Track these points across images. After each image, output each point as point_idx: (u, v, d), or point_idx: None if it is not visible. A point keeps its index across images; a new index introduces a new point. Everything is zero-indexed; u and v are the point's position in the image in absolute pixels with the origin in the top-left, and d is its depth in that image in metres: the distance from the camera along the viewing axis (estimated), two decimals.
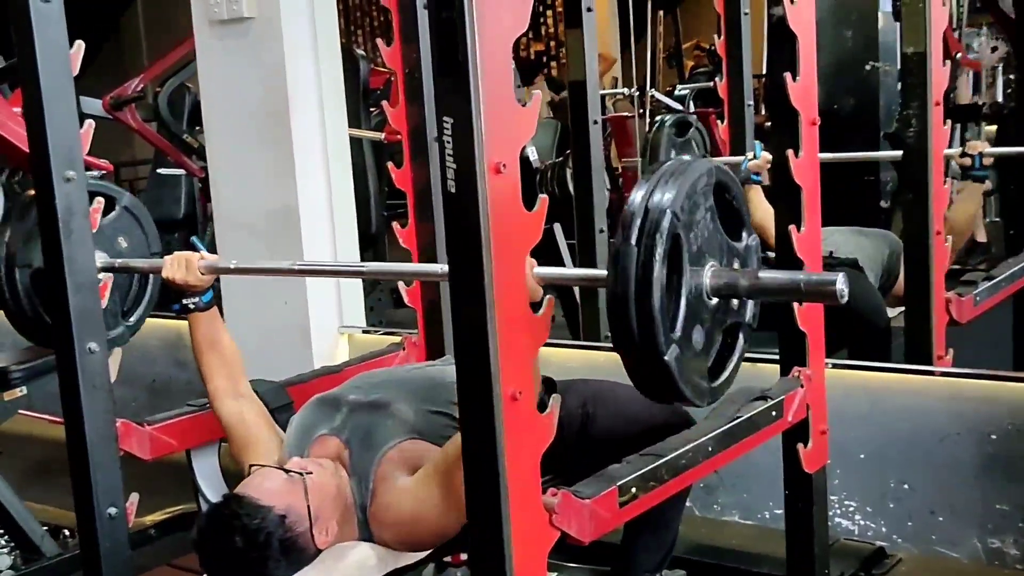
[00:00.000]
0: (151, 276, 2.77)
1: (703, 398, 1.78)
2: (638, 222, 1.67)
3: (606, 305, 1.70)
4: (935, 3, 2.95)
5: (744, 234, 1.89)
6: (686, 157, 1.78)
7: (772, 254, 3.82)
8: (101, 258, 2.55)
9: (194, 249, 2.40)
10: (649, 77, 6.93)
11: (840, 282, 1.74)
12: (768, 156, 3.72)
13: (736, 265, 1.86)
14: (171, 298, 2.43)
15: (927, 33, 2.95)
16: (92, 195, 2.53)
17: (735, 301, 1.85)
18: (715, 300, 1.79)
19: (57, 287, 2.07)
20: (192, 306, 2.40)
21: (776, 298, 1.97)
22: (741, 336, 1.88)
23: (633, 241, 1.66)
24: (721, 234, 1.82)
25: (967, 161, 3.48)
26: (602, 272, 1.75)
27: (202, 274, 2.36)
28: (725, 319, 1.83)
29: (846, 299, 1.75)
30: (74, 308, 2.07)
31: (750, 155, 3.83)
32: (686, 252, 1.71)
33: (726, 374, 1.85)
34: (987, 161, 3.49)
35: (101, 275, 2.56)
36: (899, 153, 3.36)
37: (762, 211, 3.71)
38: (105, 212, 2.68)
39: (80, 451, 2.11)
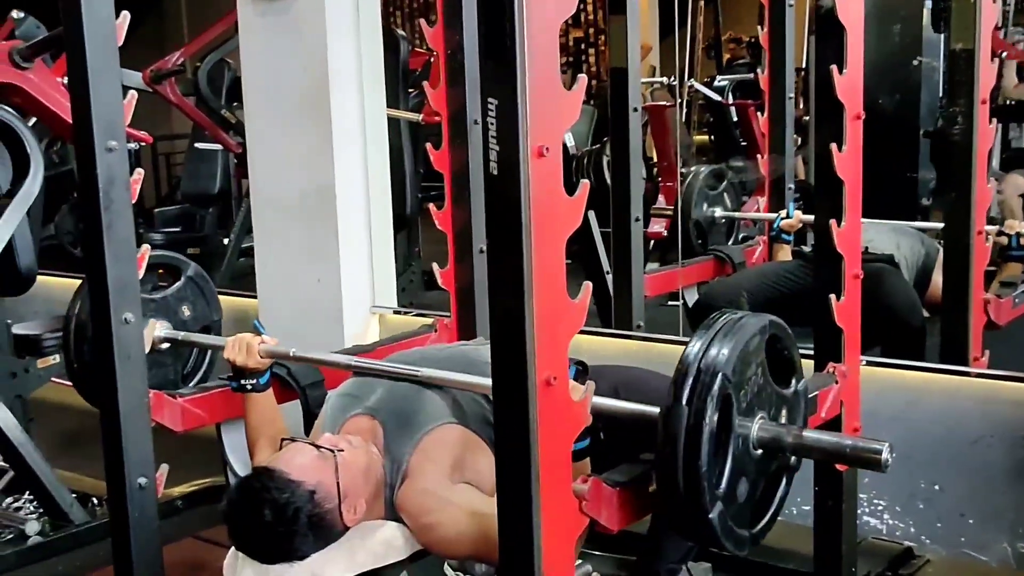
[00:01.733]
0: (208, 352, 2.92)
1: (742, 548, 1.81)
2: (689, 382, 1.70)
3: (655, 459, 1.74)
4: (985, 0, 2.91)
5: (793, 380, 1.92)
6: (741, 313, 1.81)
7: (804, 247, 3.84)
8: (164, 327, 2.71)
9: (255, 332, 2.45)
10: (688, 67, 6.88)
11: (885, 452, 1.78)
12: (801, 216, 3.79)
13: (784, 412, 1.89)
14: (230, 376, 2.51)
15: (976, 30, 2.91)
16: (159, 266, 2.74)
17: None
18: (761, 451, 1.82)
19: (95, 257, 2.08)
20: (249, 387, 2.46)
21: (820, 458, 2.06)
22: (784, 480, 1.90)
23: (684, 401, 1.69)
24: (771, 385, 1.85)
25: (1004, 240, 3.42)
26: (654, 410, 1.80)
27: (261, 357, 2.43)
28: (770, 467, 1.86)
29: (888, 469, 1.79)
30: (112, 278, 2.08)
31: (783, 214, 3.89)
32: (735, 410, 1.74)
33: (766, 519, 1.88)
34: None
35: (163, 345, 2.76)
36: (940, 226, 3.37)
37: None
38: (171, 282, 2.84)
39: (112, 421, 2.13)
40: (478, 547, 2.00)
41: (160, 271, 2.88)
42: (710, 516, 1.70)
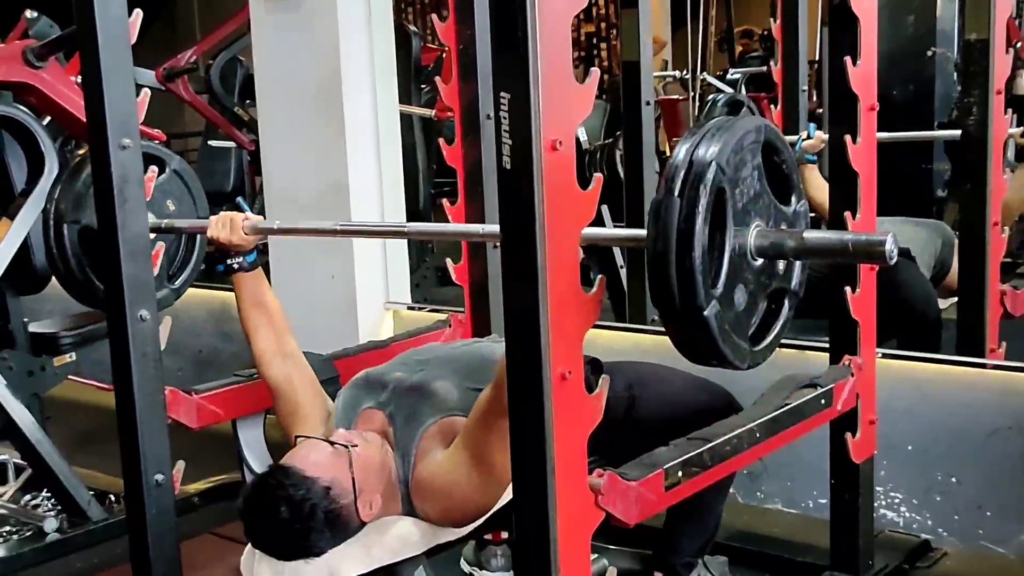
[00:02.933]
0: (197, 240, 2.82)
1: (743, 360, 1.74)
2: (681, 174, 1.64)
3: (646, 261, 1.66)
4: None
5: (793, 198, 1.85)
6: (732, 117, 1.75)
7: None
8: (149, 218, 2.58)
9: (239, 210, 2.42)
10: (700, 60, 6.87)
11: (889, 242, 1.68)
12: (823, 135, 3.70)
13: (784, 227, 1.81)
14: (216, 259, 2.44)
15: (991, 20, 2.90)
16: (145, 158, 2.57)
17: (781, 265, 1.81)
18: (760, 261, 1.75)
19: (110, 254, 2.09)
20: (236, 266, 2.40)
21: (823, 259, 1.91)
22: (786, 303, 1.84)
23: (676, 193, 1.63)
24: (769, 195, 1.79)
25: None
26: (642, 232, 1.72)
27: (246, 234, 2.37)
28: (770, 283, 1.80)
29: (895, 260, 1.70)
30: (127, 276, 2.09)
31: (803, 135, 3.80)
32: (731, 209, 1.68)
33: (769, 339, 1.81)
34: None
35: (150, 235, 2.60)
36: (957, 133, 3.29)
37: (818, 188, 3.67)
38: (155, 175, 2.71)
39: (129, 418, 2.14)
40: (490, 473, 1.99)
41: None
42: (705, 313, 1.63)
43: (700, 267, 1.61)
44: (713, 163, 1.63)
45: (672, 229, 1.61)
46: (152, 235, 2.60)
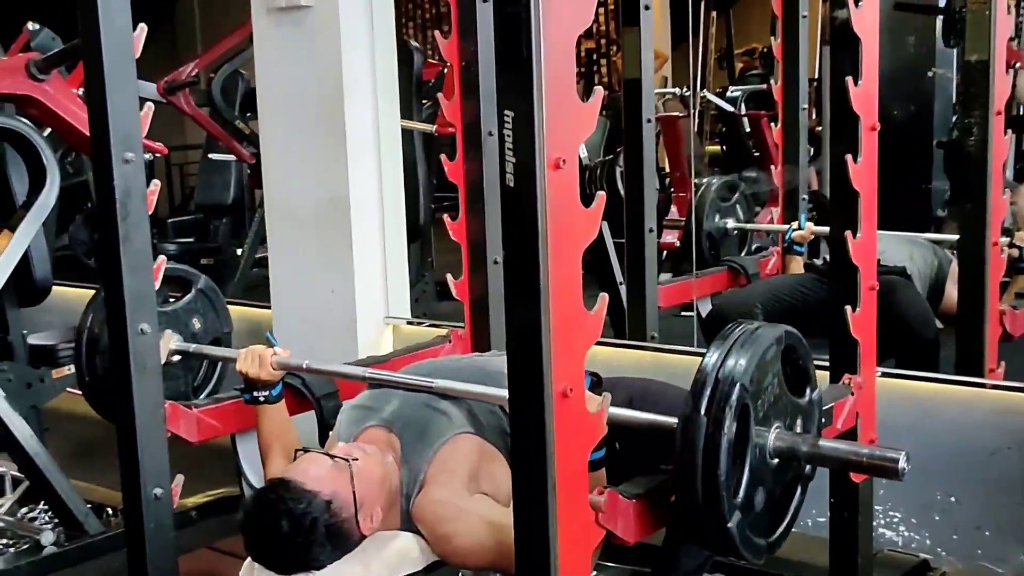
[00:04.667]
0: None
1: (759, 556, 1.82)
2: (708, 392, 1.72)
3: (673, 468, 1.75)
4: (1000, 11, 2.91)
5: (808, 389, 1.93)
6: (757, 323, 1.84)
7: (816, 260, 3.83)
8: (175, 341, 2.68)
9: (268, 344, 2.45)
10: (700, 77, 6.88)
11: (902, 460, 1.78)
12: (813, 227, 3.81)
13: (799, 422, 1.89)
14: (242, 388, 2.51)
15: (991, 41, 2.91)
16: (171, 280, 2.70)
17: None
18: (778, 460, 1.83)
19: (112, 268, 2.08)
20: (262, 399, 2.46)
21: (835, 467, 2.05)
22: (799, 489, 1.91)
23: (703, 412, 1.71)
24: (787, 396, 1.86)
25: (1015, 252, 3.41)
26: (672, 420, 1.82)
27: (274, 369, 2.43)
28: (786, 476, 1.87)
29: (904, 477, 1.80)
30: (128, 289, 2.09)
31: (795, 225, 3.90)
32: (752, 419, 1.75)
33: (782, 528, 1.89)
34: None
35: (174, 357, 2.73)
36: (954, 238, 3.36)
37: None
38: (181, 295, 2.85)
39: (128, 431, 2.13)
40: (495, 557, 2.00)
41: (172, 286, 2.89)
42: (729, 525, 1.71)
43: (724, 483, 1.69)
44: (738, 384, 1.72)
45: (699, 447, 1.70)
46: (177, 358, 2.73)
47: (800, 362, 1.91)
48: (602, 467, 1.87)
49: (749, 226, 4.43)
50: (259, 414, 2.46)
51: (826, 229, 2.45)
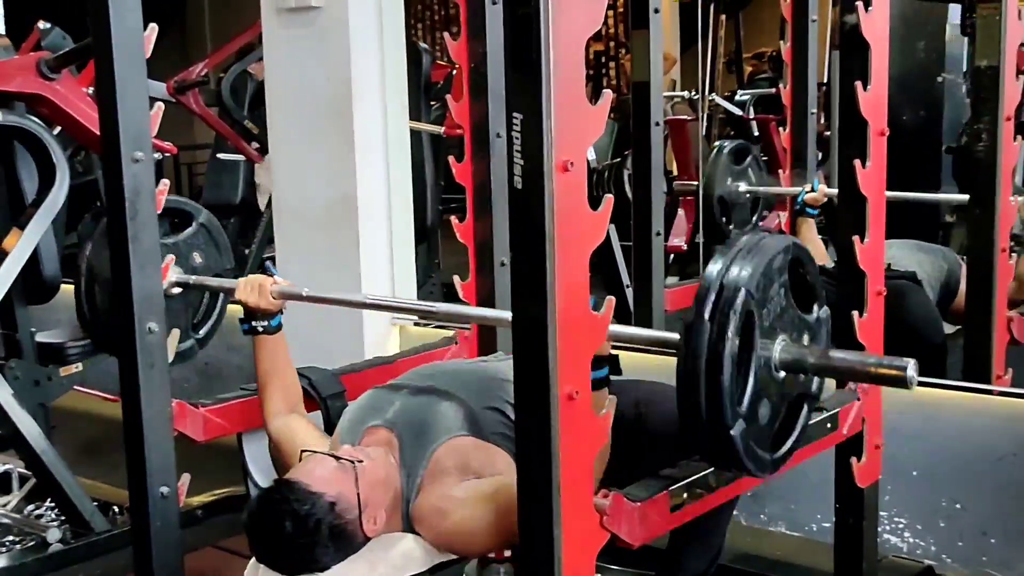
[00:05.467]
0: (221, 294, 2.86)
1: (765, 470, 1.80)
2: (712, 297, 1.69)
3: (676, 376, 1.72)
4: (1011, 17, 2.91)
5: (815, 307, 1.90)
6: (763, 233, 1.82)
7: (826, 264, 3.82)
8: (176, 273, 2.64)
9: (268, 273, 2.44)
10: (709, 81, 6.89)
11: (911, 368, 1.75)
12: (826, 190, 3.74)
13: (806, 338, 1.87)
14: (240, 319, 2.49)
15: (1001, 47, 2.91)
16: (170, 212, 2.63)
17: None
18: (783, 373, 1.81)
19: (120, 267, 2.09)
20: (261, 329, 2.44)
21: (843, 377, 2.02)
22: (805, 407, 1.89)
23: (707, 317, 1.68)
24: (793, 308, 1.84)
25: None
26: (674, 336, 1.78)
27: (273, 298, 2.41)
28: (792, 391, 1.85)
29: (915, 386, 1.76)
30: (136, 287, 2.09)
31: (807, 187, 3.85)
32: (758, 328, 1.73)
33: (788, 445, 1.86)
34: None
35: (174, 290, 2.68)
36: (965, 197, 3.33)
37: (814, 248, 3.72)
38: (182, 228, 2.79)
39: (135, 429, 2.13)
40: (499, 530, 2.00)
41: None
42: (732, 433, 1.68)
43: (728, 388, 1.67)
44: (743, 289, 1.69)
45: (702, 352, 1.67)
46: (178, 290, 2.68)
47: (808, 278, 1.88)
48: (605, 386, 1.83)
49: (761, 189, 4.36)
50: (258, 346, 2.44)
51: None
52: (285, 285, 2.43)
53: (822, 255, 3.73)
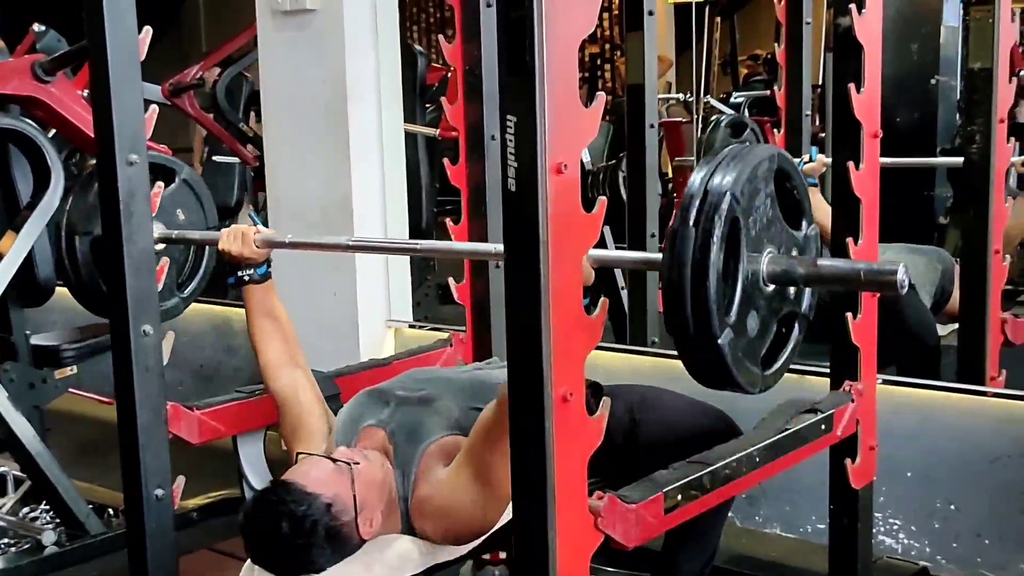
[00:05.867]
0: (207, 249, 2.81)
1: (755, 385, 1.76)
2: (696, 203, 1.66)
3: (660, 287, 1.68)
4: (1004, 19, 2.91)
5: (804, 223, 1.87)
6: (748, 144, 1.78)
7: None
8: (159, 229, 2.60)
9: (251, 223, 2.43)
10: (704, 83, 6.90)
11: (901, 272, 1.71)
12: (824, 159, 3.72)
13: (795, 254, 1.84)
14: (226, 271, 2.44)
15: (994, 49, 2.91)
16: (153, 167, 2.59)
17: (792, 290, 1.83)
18: (772, 287, 1.77)
19: (115, 269, 2.09)
20: (247, 278, 2.40)
21: (834, 287, 1.96)
22: (796, 326, 1.86)
23: (691, 223, 1.65)
24: (781, 222, 1.80)
25: None
26: (657, 256, 1.74)
27: (257, 247, 2.38)
28: (781, 307, 1.81)
29: (906, 289, 1.72)
30: (131, 290, 2.10)
31: (806, 158, 3.82)
32: (744, 237, 1.70)
33: (779, 363, 1.83)
34: None
35: (158, 245, 2.60)
36: (959, 160, 3.31)
37: (821, 211, 3.69)
38: (165, 185, 2.72)
39: (130, 432, 2.14)
40: (490, 491, 1.99)
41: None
42: (719, 342, 1.65)
43: (714, 296, 1.63)
44: (728, 193, 1.65)
45: (687, 259, 1.64)
46: (161, 245, 2.63)
47: (795, 192, 1.85)
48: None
49: None
50: (247, 296, 2.41)
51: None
52: (269, 233, 2.40)
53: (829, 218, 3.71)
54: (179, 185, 2.77)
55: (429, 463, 2.15)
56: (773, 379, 1.82)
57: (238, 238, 2.37)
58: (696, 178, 1.69)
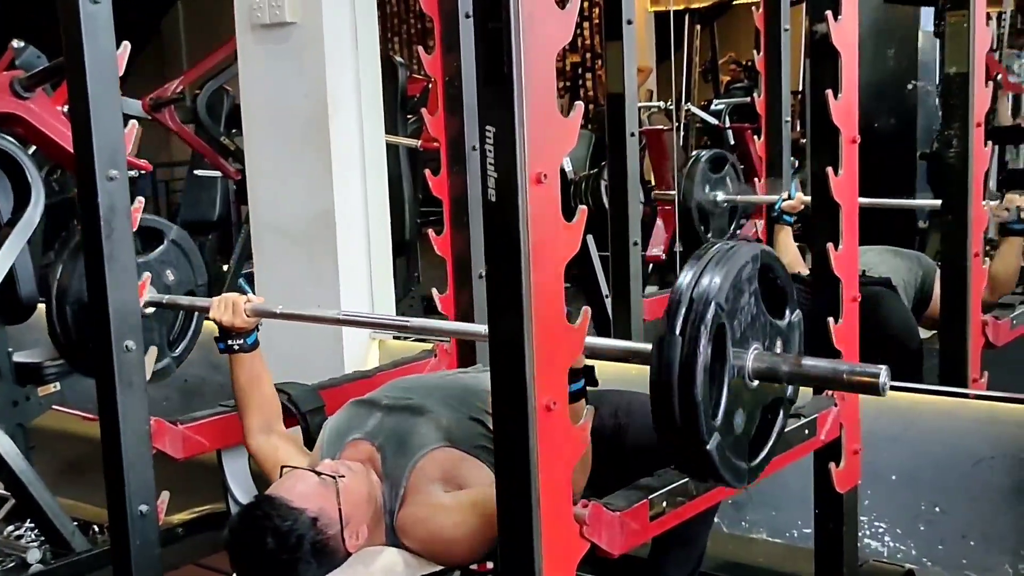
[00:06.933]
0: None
1: (742, 480, 1.80)
2: (683, 312, 1.69)
3: (649, 390, 1.73)
4: (979, 23, 2.93)
5: (787, 311, 1.90)
6: (732, 242, 1.81)
7: (801, 271, 3.84)
8: (149, 292, 2.63)
9: (240, 291, 2.43)
10: (685, 91, 6.92)
11: (883, 375, 1.75)
12: (803, 197, 3.77)
13: (779, 343, 1.87)
14: (216, 337, 2.48)
15: (970, 53, 2.93)
16: (141, 230, 2.62)
17: None
18: (757, 382, 1.81)
19: (97, 285, 2.09)
20: (236, 347, 2.43)
21: (817, 384, 2.01)
22: (781, 412, 1.90)
23: (677, 331, 1.68)
24: (765, 315, 1.84)
25: (1005, 215, 3.43)
26: (646, 346, 1.79)
27: (248, 316, 2.40)
28: (767, 397, 1.85)
29: (887, 392, 1.77)
30: (113, 306, 2.09)
31: (785, 195, 3.87)
32: (730, 339, 1.73)
33: (764, 452, 1.87)
34: None
35: (148, 309, 2.65)
36: (936, 203, 3.36)
37: (791, 255, 3.74)
38: (154, 246, 2.77)
39: (114, 448, 2.13)
40: (483, 538, 2.00)
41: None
42: (708, 448, 1.68)
43: (701, 402, 1.66)
44: (713, 303, 1.69)
45: (674, 366, 1.67)
46: (151, 309, 2.67)
47: (778, 282, 1.87)
48: (582, 398, 1.83)
49: (739, 198, 4.38)
50: (234, 364, 2.43)
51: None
52: (259, 302, 2.43)
53: (799, 262, 3.75)
54: (168, 246, 2.80)
55: (420, 479, 2.14)
56: (759, 469, 1.85)
57: (229, 308, 2.40)
58: (682, 282, 1.72)
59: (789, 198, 3.85)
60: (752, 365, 1.79)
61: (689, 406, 1.66)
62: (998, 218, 3.39)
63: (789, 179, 4.08)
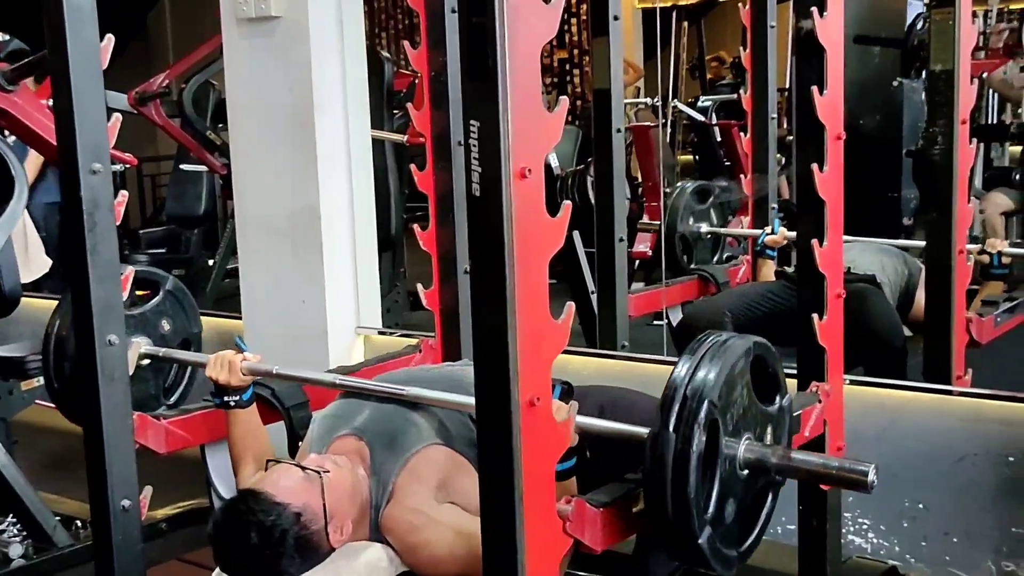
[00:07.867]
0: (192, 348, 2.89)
1: (731, 568, 1.83)
2: (676, 408, 1.72)
3: (642, 483, 1.77)
4: (964, 21, 2.94)
5: (778, 397, 1.94)
6: (726, 335, 1.85)
7: (787, 268, 3.86)
8: (144, 343, 2.64)
9: (238, 349, 2.44)
10: (672, 87, 6.93)
11: (871, 473, 1.80)
12: (785, 232, 3.81)
13: (769, 431, 1.90)
14: (212, 392, 2.49)
15: (955, 51, 2.94)
16: (138, 281, 2.64)
17: None
18: (747, 471, 1.84)
19: (80, 279, 2.08)
20: (232, 404, 2.44)
21: (805, 479, 2.04)
22: (770, 496, 1.93)
23: (671, 428, 1.71)
24: (756, 405, 1.87)
25: (985, 259, 3.46)
26: (642, 430, 1.81)
27: (244, 375, 2.42)
28: (756, 483, 1.88)
29: (873, 489, 1.82)
30: (96, 300, 2.08)
31: (768, 230, 3.91)
32: (722, 434, 1.76)
33: (753, 536, 1.90)
34: (1006, 260, 3.48)
35: (144, 362, 2.72)
36: (921, 244, 3.38)
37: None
38: (149, 297, 2.80)
39: (96, 443, 2.12)
40: (465, 567, 2.00)
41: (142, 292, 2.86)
42: (699, 541, 1.72)
43: (694, 500, 1.70)
44: (707, 401, 1.72)
45: (668, 463, 1.70)
46: (146, 361, 2.71)
47: (770, 369, 1.92)
48: (572, 476, 1.87)
49: (723, 230, 4.42)
50: (230, 420, 2.45)
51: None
52: (255, 361, 2.45)
53: None
54: (164, 296, 2.83)
55: (409, 480, 2.13)
56: (748, 553, 1.89)
57: (225, 366, 2.42)
58: (676, 377, 1.75)
59: (772, 233, 3.91)
60: (743, 456, 1.82)
61: (681, 502, 1.70)
62: (980, 263, 3.42)
63: (773, 217, 4.12)
